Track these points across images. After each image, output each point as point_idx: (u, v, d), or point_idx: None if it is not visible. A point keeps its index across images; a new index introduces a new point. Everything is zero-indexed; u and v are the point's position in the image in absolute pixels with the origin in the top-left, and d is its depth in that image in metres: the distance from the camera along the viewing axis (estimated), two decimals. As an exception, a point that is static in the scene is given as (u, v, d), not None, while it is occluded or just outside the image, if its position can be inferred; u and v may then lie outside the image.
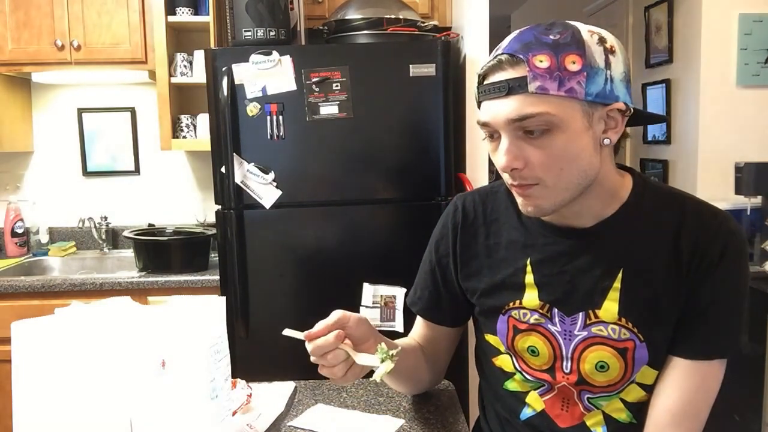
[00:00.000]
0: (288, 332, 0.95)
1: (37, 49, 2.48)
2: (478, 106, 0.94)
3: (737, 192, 2.46)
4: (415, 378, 1.18)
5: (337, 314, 0.96)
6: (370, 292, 2.15)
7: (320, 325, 0.94)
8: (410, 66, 2.13)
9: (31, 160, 2.89)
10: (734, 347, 0.95)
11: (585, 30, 0.89)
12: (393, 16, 2.32)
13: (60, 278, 2.37)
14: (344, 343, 0.94)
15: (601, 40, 0.88)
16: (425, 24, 2.37)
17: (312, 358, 0.95)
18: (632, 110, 0.92)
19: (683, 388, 0.94)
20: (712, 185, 2.62)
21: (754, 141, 2.64)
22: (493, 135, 0.92)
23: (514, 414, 1.07)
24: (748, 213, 2.46)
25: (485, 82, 0.90)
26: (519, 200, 0.95)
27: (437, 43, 2.16)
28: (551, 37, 0.87)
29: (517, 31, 0.90)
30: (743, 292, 0.96)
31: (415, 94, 2.15)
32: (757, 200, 2.46)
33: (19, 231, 2.77)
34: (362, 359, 0.95)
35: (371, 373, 0.97)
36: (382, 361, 0.95)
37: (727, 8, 2.60)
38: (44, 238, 2.83)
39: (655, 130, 3.06)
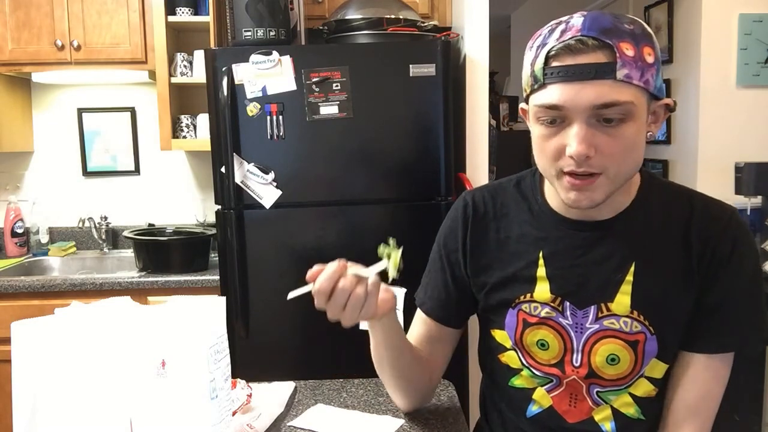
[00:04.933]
0: (292, 294, 0.91)
1: (37, 49, 2.48)
2: (538, 89, 0.88)
3: (737, 192, 2.46)
4: (412, 376, 1.11)
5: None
6: (370, 292, 2.14)
7: (316, 268, 0.90)
8: (410, 66, 2.13)
9: (31, 160, 2.89)
10: (755, 338, 0.97)
11: (645, 24, 0.90)
12: (393, 16, 2.32)
13: (60, 278, 2.37)
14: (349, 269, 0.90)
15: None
16: (425, 24, 2.37)
17: (328, 308, 0.89)
18: (674, 108, 0.93)
19: (700, 381, 0.97)
20: (712, 185, 2.62)
21: (754, 141, 2.64)
22: (556, 120, 0.88)
23: (521, 411, 1.06)
24: (748, 213, 2.46)
25: (558, 64, 0.86)
26: (570, 194, 0.90)
27: (437, 43, 2.16)
28: (626, 26, 0.86)
29: (583, 15, 0.87)
30: (758, 282, 0.97)
31: (415, 94, 2.15)
32: (757, 200, 2.46)
33: (19, 231, 2.77)
34: (373, 269, 0.91)
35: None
36: (389, 256, 0.90)
37: (727, 8, 2.60)
38: (44, 238, 2.83)
39: (655, 130, 3.06)
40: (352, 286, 0.89)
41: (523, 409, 1.06)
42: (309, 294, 0.91)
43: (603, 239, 0.98)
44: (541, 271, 1.01)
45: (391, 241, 0.91)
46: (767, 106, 2.64)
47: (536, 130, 0.92)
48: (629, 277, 0.96)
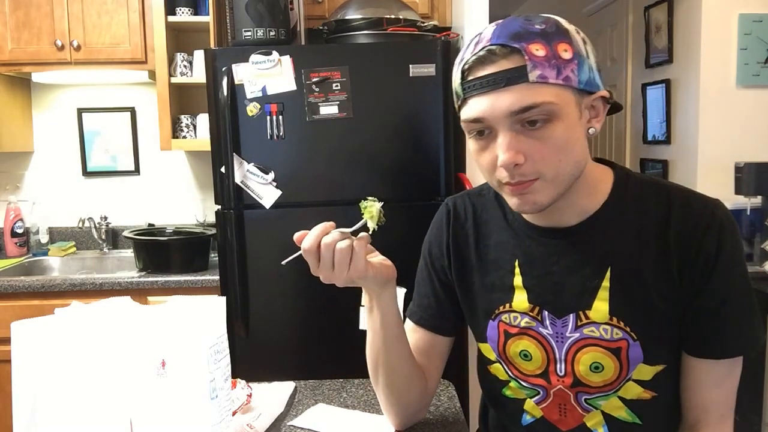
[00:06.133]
0: (286, 261, 0.96)
1: (37, 49, 2.48)
2: (462, 104, 0.89)
3: (737, 192, 2.46)
4: (407, 380, 1.08)
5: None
6: (370, 292, 2.14)
7: (301, 232, 0.94)
8: (410, 66, 2.13)
9: (31, 160, 2.89)
10: (755, 340, 0.95)
11: (562, 20, 0.88)
12: (393, 16, 2.33)
13: (60, 278, 2.37)
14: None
15: (577, 31, 0.88)
16: (425, 24, 2.37)
17: (319, 269, 0.93)
18: (613, 99, 0.91)
19: (711, 383, 0.96)
20: (712, 185, 2.62)
21: (754, 141, 2.64)
22: (484, 132, 0.88)
23: (516, 420, 1.06)
24: (748, 213, 2.46)
25: (472, 77, 0.86)
26: (513, 200, 0.90)
27: (437, 43, 2.16)
28: (537, 26, 0.85)
29: (496, 24, 0.87)
30: (747, 281, 0.95)
31: (415, 94, 2.15)
32: (757, 200, 2.45)
33: (19, 231, 2.77)
34: (355, 227, 0.93)
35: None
36: (365, 208, 0.93)
37: (727, 8, 2.60)
38: (44, 238, 2.83)
39: (655, 130, 3.06)
40: (335, 241, 0.92)
41: (518, 418, 1.06)
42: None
43: (575, 245, 0.96)
44: (518, 280, 1.00)
45: (370, 197, 0.94)
46: (767, 106, 2.64)
47: (470, 145, 0.92)
48: (605, 283, 0.94)
